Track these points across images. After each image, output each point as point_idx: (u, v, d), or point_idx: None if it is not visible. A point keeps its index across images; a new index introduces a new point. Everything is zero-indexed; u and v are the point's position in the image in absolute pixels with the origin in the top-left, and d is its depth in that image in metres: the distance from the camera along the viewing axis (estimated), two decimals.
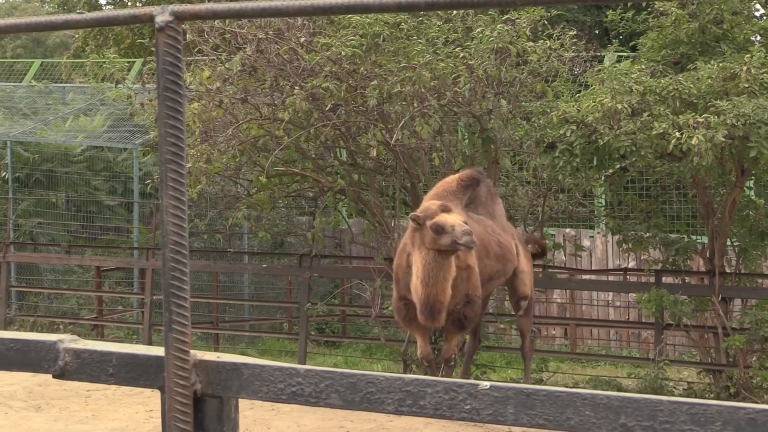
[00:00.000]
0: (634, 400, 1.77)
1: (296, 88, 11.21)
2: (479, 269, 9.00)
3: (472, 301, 8.81)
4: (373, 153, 11.45)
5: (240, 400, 2.18)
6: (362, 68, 11.16)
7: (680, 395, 11.89)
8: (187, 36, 12.00)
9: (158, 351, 2.16)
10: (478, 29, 11.43)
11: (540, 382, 12.58)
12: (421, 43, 11.32)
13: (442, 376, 9.11)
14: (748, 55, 10.55)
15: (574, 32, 12.33)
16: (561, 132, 10.83)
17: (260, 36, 11.53)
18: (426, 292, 8.36)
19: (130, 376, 2.21)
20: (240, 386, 2.09)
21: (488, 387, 1.85)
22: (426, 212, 8.35)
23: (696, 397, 11.93)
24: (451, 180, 9.56)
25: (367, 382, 1.95)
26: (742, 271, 12.31)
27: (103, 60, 16.15)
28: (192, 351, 2.10)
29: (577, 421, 1.80)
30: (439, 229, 8.13)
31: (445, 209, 8.34)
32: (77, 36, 31.64)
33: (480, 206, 9.63)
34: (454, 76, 11.17)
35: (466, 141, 12.81)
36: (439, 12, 11.73)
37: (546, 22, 11.98)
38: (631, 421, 1.77)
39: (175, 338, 2.06)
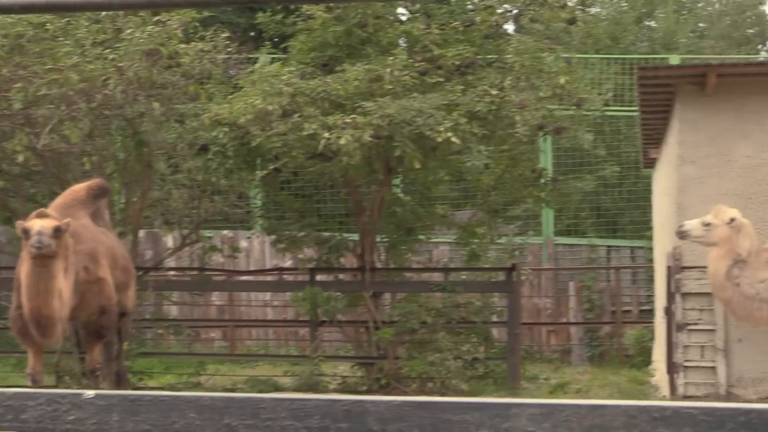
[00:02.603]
0: (238, 400, 1.80)
1: None
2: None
3: (108, 311, 8.67)
4: (20, 159, 10.99)
5: None
6: (5, 70, 10.70)
7: (335, 390, 12.22)
8: None
9: None
10: (128, 30, 11.23)
11: (198, 385, 12.55)
12: (68, 44, 10.98)
13: (91, 387, 8.88)
14: (392, 58, 10.96)
15: (228, 34, 12.35)
16: (214, 134, 10.86)
17: None
18: (30, 305, 8.07)
19: None
20: None
21: (93, 395, 1.82)
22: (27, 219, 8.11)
23: (350, 390, 12.31)
24: (80, 188, 9.37)
25: None
26: (392, 266, 12.81)
27: None
28: None
29: (182, 424, 1.80)
30: (26, 233, 7.90)
31: (41, 215, 8.07)
32: None
33: (99, 219, 9.47)
34: (104, 78, 10.93)
35: (119, 144, 12.55)
36: (87, 12, 11.42)
37: (197, 24, 11.93)
38: (235, 421, 1.80)
39: None
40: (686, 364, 10.78)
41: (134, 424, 1.81)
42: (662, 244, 12.79)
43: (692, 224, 9.76)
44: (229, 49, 12.48)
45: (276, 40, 13.26)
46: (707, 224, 9.64)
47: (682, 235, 9.93)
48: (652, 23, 25.89)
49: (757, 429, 1.86)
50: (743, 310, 9.74)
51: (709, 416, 1.87)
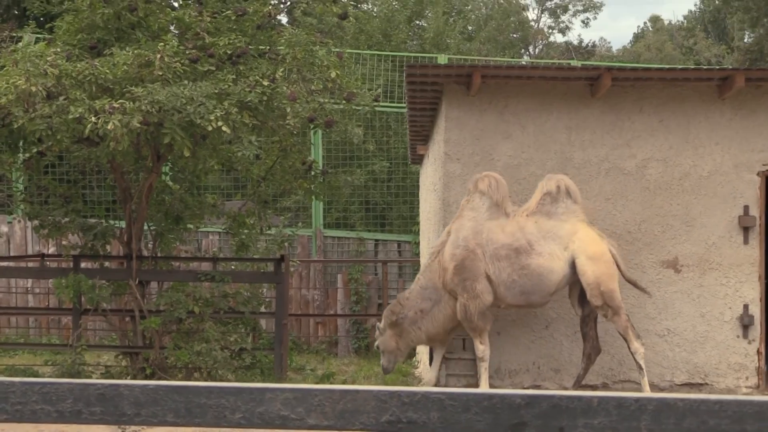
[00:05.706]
0: None
1: None
2: None
3: None
4: None
5: None
6: None
7: (97, 379, 11.95)
8: None
9: None
10: None
11: None
12: None
13: None
14: (162, 44, 10.81)
15: None
16: None
17: None
18: None
19: None
20: None
21: None
22: None
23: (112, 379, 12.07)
24: None
25: None
26: (159, 255, 12.63)
27: None
28: None
29: None
30: None
31: None
32: None
33: None
34: None
35: None
36: None
37: None
38: None
39: None
40: (448, 356, 11.12)
41: None
42: (428, 238, 13.14)
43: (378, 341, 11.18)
44: None
45: (41, 19, 12.82)
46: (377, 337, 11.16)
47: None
48: (423, 23, 26.51)
49: (499, 412, 1.96)
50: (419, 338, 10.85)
51: (455, 401, 1.96)
